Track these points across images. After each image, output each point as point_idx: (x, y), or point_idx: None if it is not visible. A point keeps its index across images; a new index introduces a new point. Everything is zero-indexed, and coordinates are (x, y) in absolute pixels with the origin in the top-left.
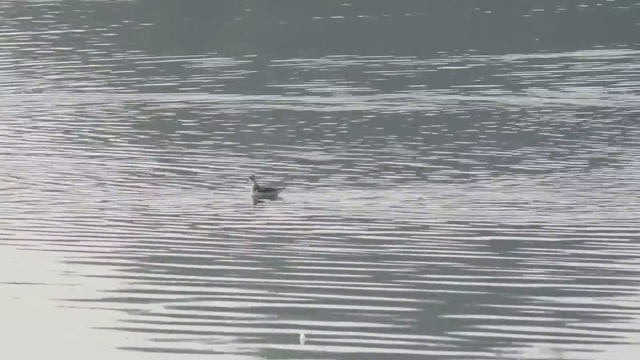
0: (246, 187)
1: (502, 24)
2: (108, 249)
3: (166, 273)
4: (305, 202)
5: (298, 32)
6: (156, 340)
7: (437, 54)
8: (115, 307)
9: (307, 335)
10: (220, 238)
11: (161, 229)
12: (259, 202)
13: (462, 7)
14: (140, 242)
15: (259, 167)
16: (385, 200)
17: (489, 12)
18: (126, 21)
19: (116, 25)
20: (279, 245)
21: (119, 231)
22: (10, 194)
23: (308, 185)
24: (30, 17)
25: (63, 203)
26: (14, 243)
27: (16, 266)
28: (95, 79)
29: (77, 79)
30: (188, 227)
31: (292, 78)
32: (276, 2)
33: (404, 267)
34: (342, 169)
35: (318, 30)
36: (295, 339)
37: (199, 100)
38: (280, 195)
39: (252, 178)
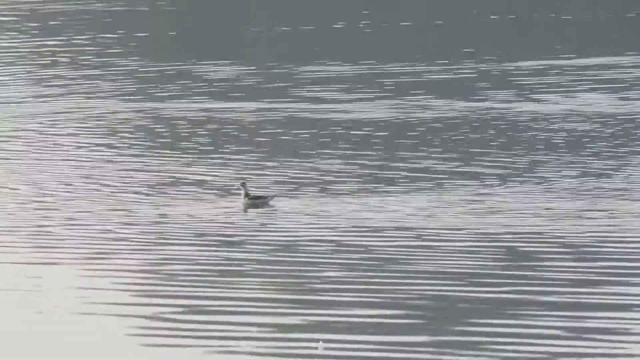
0: (237, 194)
1: (512, 30)
2: (120, 262)
3: (178, 286)
4: (316, 211)
5: (312, 40)
6: (171, 356)
7: (449, 61)
8: (127, 322)
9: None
10: (232, 249)
11: (172, 240)
12: (250, 209)
13: (473, 13)
14: (151, 253)
15: (268, 175)
16: (397, 209)
17: (497, 18)
18: (138, 29)
19: (126, 33)
20: (289, 255)
21: (131, 243)
22: (22, 206)
23: (320, 193)
24: (41, 24)
25: (73, 210)
26: (24, 256)
27: (31, 280)
28: (105, 87)
29: (88, 87)
30: (199, 236)
31: (306, 85)
32: (290, 9)
33: (416, 277)
34: (354, 177)
35: (332, 38)
36: (308, 352)
37: (213, 108)
38: (271, 202)
39: (243, 185)
